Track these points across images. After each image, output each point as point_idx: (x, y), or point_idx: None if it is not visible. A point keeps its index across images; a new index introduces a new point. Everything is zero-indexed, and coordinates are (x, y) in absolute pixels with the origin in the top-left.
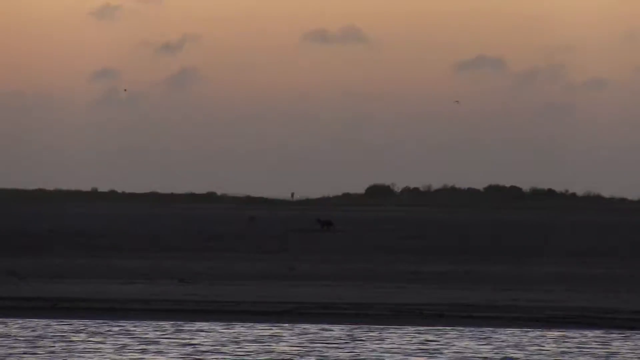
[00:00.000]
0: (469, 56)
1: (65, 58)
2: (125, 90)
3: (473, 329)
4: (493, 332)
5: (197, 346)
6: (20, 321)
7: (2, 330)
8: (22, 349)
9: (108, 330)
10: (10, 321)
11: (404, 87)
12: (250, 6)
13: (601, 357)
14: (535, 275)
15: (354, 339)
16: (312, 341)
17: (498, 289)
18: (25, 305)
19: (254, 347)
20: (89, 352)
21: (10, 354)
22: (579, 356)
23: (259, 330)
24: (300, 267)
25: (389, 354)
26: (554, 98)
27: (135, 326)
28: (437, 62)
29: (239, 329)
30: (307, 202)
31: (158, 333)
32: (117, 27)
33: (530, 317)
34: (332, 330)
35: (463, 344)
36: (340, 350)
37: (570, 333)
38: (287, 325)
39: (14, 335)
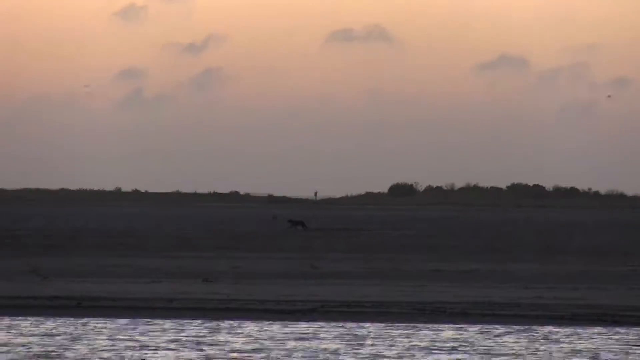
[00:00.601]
0: (492, 56)
1: (90, 59)
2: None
3: (515, 326)
4: (529, 329)
5: (232, 343)
6: (45, 320)
7: (33, 329)
8: (55, 347)
9: (139, 328)
10: (35, 320)
11: (428, 86)
12: (275, 6)
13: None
14: (559, 273)
15: (390, 337)
16: (348, 338)
17: (521, 287)
18: (49, 304)
19: (297, 344)
20: (122, 350)
21: (41, 352)
22: (619, 354)
23: (292, 329)
24: (323, 266)
25: (427, 351)
26: (576, 97)
27: (166, 324)
28: (460, 61)
29: (273, 327)
30: (330, 201)
31: (194, 332)
32: (142, 27)
33: (554, 315)
34: (363, 328)
35: (500, 340)
36: (377, 347)
37: (601, 330)
38: (321, 323)
39: (47, 334)
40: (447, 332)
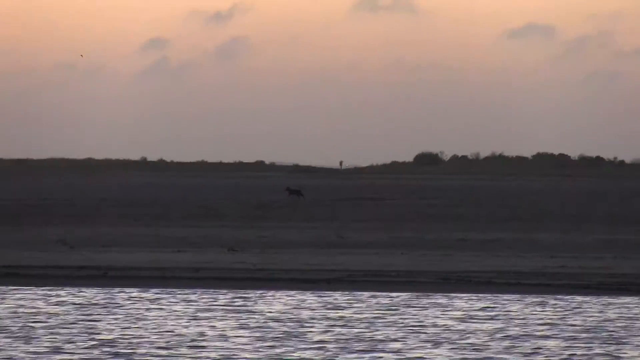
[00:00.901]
0: (518, 24)
1: (116, 28)
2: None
3: (547, 295)
4: (560, 298)
5: (267, 312)
6: (73, 290)
7: (69, 298)
8: (87, 317)
9: (172, 297)
10: (61, 289)
11: (453, 56)
12: None
13: None
14: (584, 242)
15: (423, 306)
16: (381, 308)
17: (546, 256)
18: (76, 274)
19: (332, 313)
20: (152, 319)
21: (74, 321)
22: None
23: (326, 298)
24: (349, 236)
25: (462, 320)
26: (602, 66)
27: (198, 293)
28: (486, 31)
29: (305, 296)
30: (355, 171)
31: (227, 300)
32: None
33: (579, 284)
34: (396, 297)
35: (533, 309)
36: (412, 317)
37: (632, 299)
38: (353, 292)
39: (82, 304)
40: (480, 301)
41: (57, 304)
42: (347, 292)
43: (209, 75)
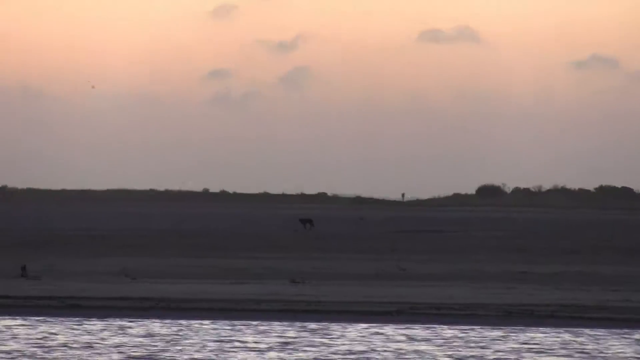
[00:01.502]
0: (583, 56)
1: (179, 58)
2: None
3: (618, 329)
4: (631, 332)
5: (339, 346)
6: (146, 321)
7: (138, 330)
8: (168, 348)
9: (242, 330)
10: (133, 321)
11: (517, 87)
12: (365, 6)
13: None
14: None
15: (502, 339)
16: (459, 343)
17: (609, 289)
18: (140, 305)
19: (407, 347)
20: (232, 351)
21: (159, 351)
22: None
23: (403, 331)
24: (409, 267)
25: (545, 354)
26: None
27: (268, 326)
28: (550, 62)
29: (376, 329)
30: (417, 203)
31: (296, 333)
32: (233, 26)
33: None
34: (470, 330)
35: (607, 344)
36: (482, 349)
37: None
38: (418, 325)
39: (151, 335)
40: (556, 335)
41: (136, 335)
42: (413, 325)
43: (273, 105)
